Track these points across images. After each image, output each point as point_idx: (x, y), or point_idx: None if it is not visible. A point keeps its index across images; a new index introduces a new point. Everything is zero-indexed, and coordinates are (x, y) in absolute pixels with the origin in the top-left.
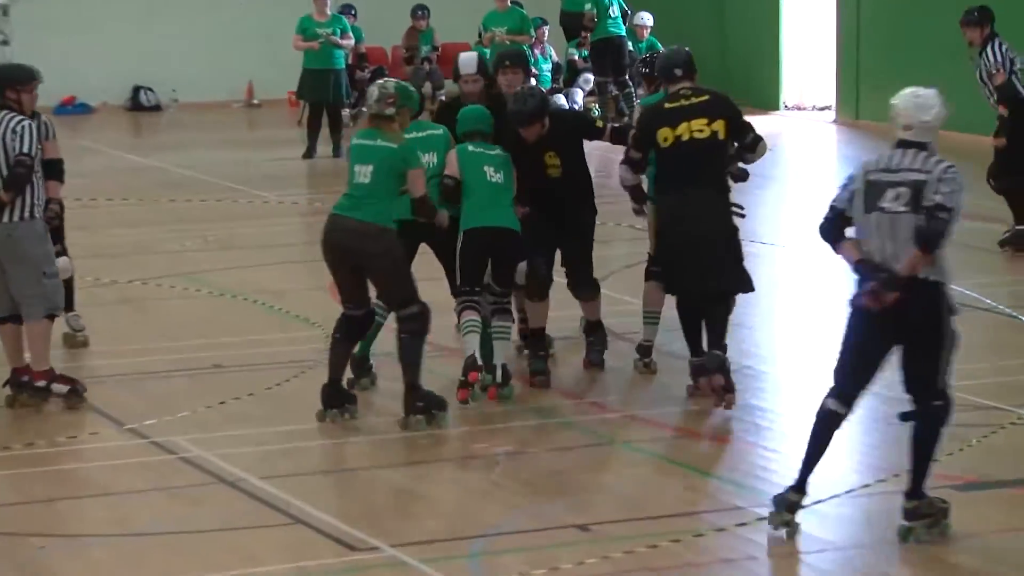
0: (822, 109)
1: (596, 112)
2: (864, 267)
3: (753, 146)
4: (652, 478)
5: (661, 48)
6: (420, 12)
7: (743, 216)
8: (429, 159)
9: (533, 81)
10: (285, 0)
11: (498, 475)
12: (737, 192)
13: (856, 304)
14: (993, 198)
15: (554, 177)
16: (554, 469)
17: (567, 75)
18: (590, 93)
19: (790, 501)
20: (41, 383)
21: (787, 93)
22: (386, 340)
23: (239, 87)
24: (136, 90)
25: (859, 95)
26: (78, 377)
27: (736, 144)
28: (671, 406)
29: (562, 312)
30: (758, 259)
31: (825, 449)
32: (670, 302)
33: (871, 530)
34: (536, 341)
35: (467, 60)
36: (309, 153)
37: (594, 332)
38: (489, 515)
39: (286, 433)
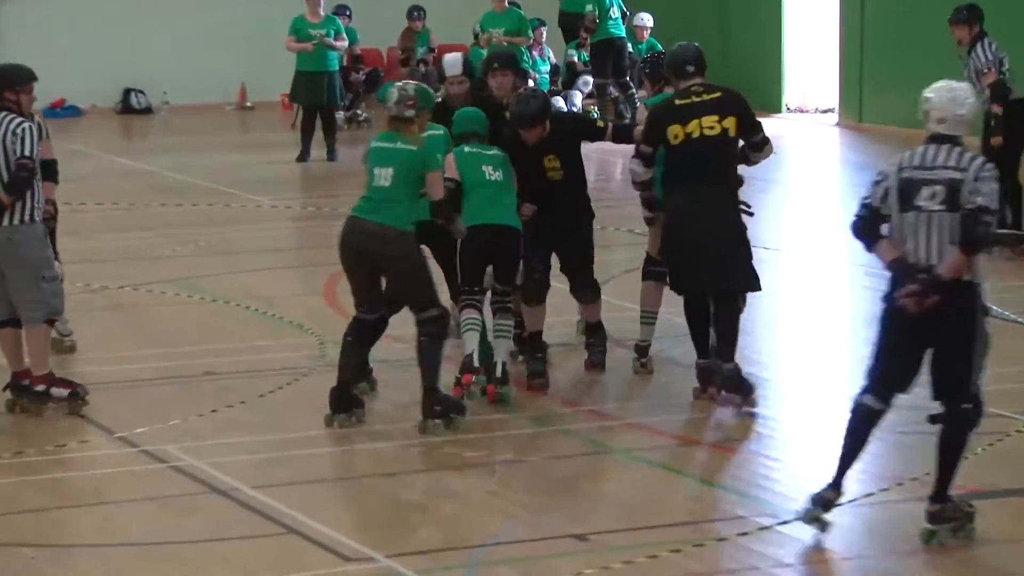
0: (825, 112)
1: (595, 115)
2: (900, 267)
3: (760, 146)
4: (652, 487)
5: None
6: (416, 13)
7: (751, 214)
8: None
9: (531, 83)
10: (278, 1)
11: (495, 484)
12: (740, 194)
13: (893, 304)
14: None
15: (554, 180)
16: (552, 478)
17: (566, 77)
18: (589, 95)
19: (826, 499)
20: (40, 387)
21: (789, 95)
22: (384, 347)
23: (231, 89)
24: (127, 92)
25: (862, 98)
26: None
27: (743, 142)
28: (671, 413)
29: (559, 318)
30: (759, 264)
31: (863, 447)
32: (669, 306)
33: (874, 540)
34: (533, 344)
35: (452, 61)
36: (303, 156)
37: (595, 334)
38: (486, 525)
39: (279, 441)
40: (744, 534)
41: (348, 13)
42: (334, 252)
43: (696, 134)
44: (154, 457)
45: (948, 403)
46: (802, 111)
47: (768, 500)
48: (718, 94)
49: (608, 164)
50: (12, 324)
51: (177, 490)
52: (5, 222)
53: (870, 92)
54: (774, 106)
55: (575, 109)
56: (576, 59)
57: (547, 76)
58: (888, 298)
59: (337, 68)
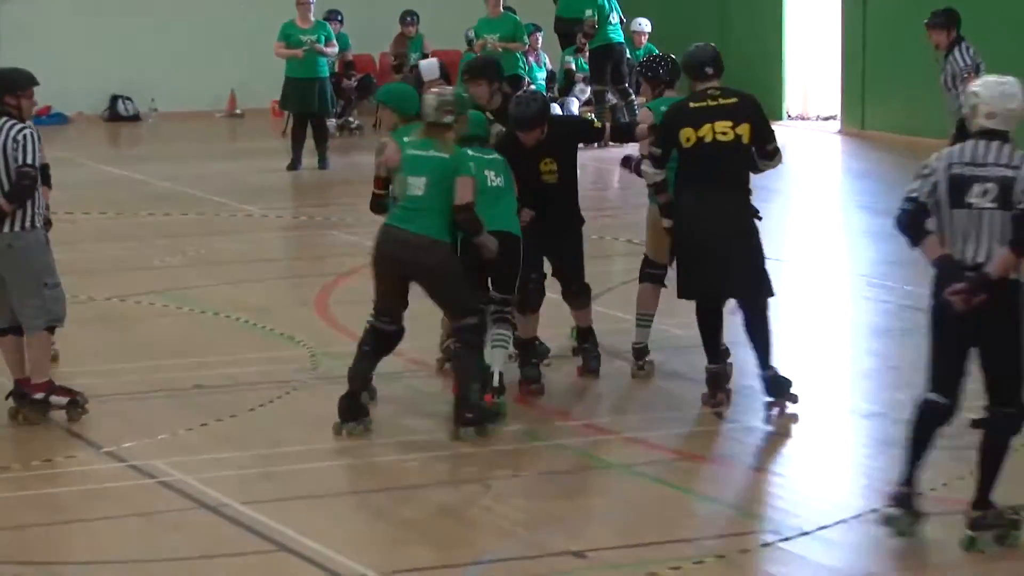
0: (827, 119)
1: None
2: (947, 264)
3: (771, 155)
4: (650, 502)
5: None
6: (409, 18)
7: (759, 218)
8: None
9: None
10: (268, 6)
11: (490, 500)
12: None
13: (942, 301)
14: None
15: (549, 184)
16: (549, 493)
17: (562, 84)
18: (586, 103)
19: (902, 496)
20: (40, 395)
21: (791, 102)
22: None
23: (221, 96)
24: (114, 100)
25: (865, 104)
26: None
27: (754, 149)
28: (669, 427)
29: (553, 329)
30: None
31: (931, 443)
32: (670, 317)
33: (879, 556)
34: (527, 350)
35: (429, 67)
36: (294, 165)
37: (588, 339)
38: (481, 541)
39: (270, 456)
40: (745, 551)
41: (340, 18)
42: (326, 263)
43: (708, 139)
44: (142, 472)
45: (991, 407)
46: (803, 118)
47: (769, 516)
48: (734, 99)
49: (606, 172)
50: (13, 331)
51: (165, 506)
52: (6, 228)
53: (872, 99)
54: (775, 113)
55: None
56: (573, 65)
57: (543, 83)
58: (935, 295)
59: (327, 75)
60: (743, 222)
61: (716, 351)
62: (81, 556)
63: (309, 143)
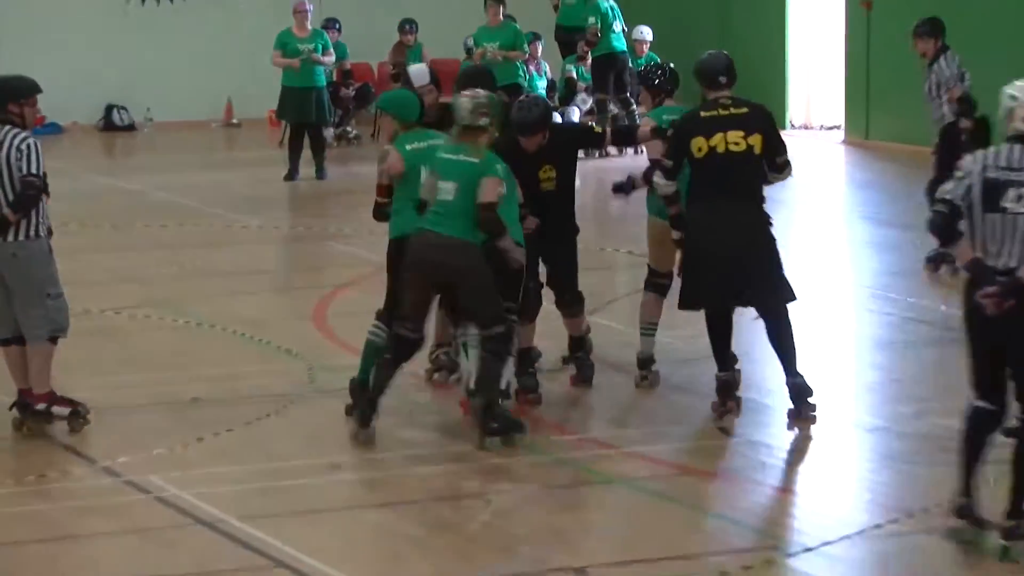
0: (830, 128)
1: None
2: (979, 268)
3: (781, 167)
4: (652, 518)
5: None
6: (408, 27)
7: (771, 225)
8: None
9: None
10: (265, 14)
11: (490, 515)
12: None
13: (973, 305)
14: None
15: (547, 191)
16: (548, 509)
17: (563, 93)
18: (588, 112)
19: (963, 505)
20: (41, 406)
21: (794, 112)
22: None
23: (217, 106)
24: (109, 109)
25: (869, 114)
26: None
27: (767, 162)
28: (670, 441)
29: (547, 342)
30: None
31: (981, 450)
32: (673, 329)
33: (884, 573)
34: (524, 359)
35: (418, 72)
36: (291, 175)
37: (581, 348)
38: (482, 557)
39: (267, 471)
40: (748, 568)
41: (338, 27)
42: (323, 274)
43: (721, 148)
44: (137, 487)
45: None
46: (807, 128)
47: (771, 531)
48: (745, 109)
49: (607, 183)
50: (17, 341)
51: (161, 522)
52: (10, 238)
53: (876, 109)
54: (778, 123)
55: None
56: (574, 74)
57: (544, 92)
58: (966, 299)
59: (325, 84)
60: (758, 231)
61: (726, 358)
62: (75, 573)
63: (306, 153)
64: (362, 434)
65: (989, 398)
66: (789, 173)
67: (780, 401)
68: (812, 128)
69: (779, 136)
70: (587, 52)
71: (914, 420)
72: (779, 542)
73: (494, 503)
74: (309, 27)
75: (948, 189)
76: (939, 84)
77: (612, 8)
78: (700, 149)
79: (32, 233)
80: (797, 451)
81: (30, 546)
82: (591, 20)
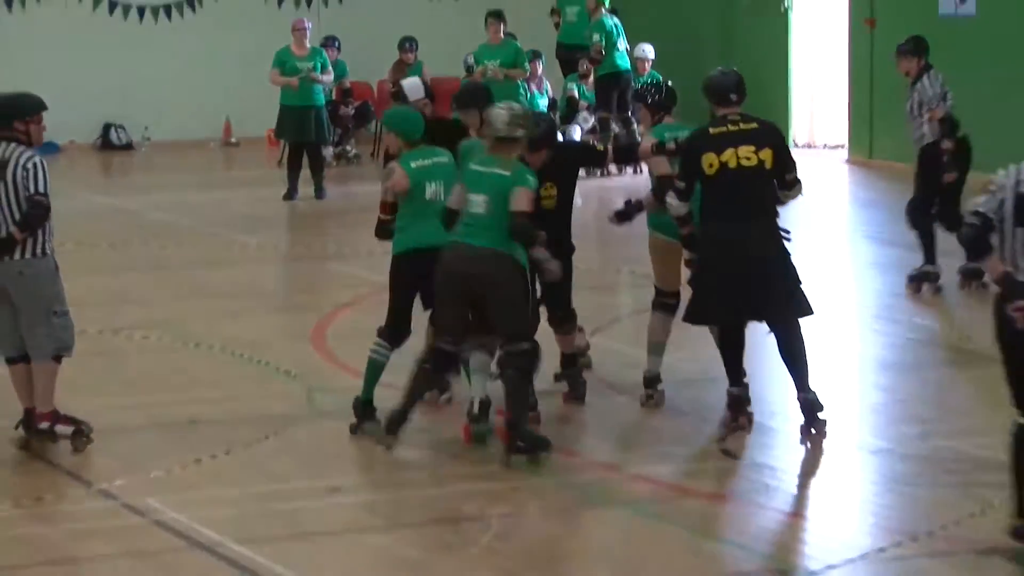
0: (834, 148)
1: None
2: (1009, 282)
3: (791, 184)
4: (654, 541)
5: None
6: (408, 45)
7: (789, 240)
8: (437, 189)
9: None
10: (263, 32)
11: (491, 539)
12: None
13: (1004, 319)
14: None
15: (546, 209)
16: (550, 532)
17: (564, 112)
18: (590, 131)
19: (1017, 527)
20: (44, 425)
21: (797, 131)
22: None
23: (216, 125)
24: (106, 128)
25: (873, 133)
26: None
27: (776, 179)
28: (673, 463)
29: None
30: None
31: None
32: (677, 350)
33: None
34: None
35: (413, 86)
36: (290, 195)
37: (572, 365)
38: None
39: (266, 493)
40: None
41: (337, 45)
42: (323, 295)
43: (732, 164)
44: (134, 510)
45: None
46: (810, 146)
47: (775, 555)
48: (755, 125)
49: (611, 202)
50: (23, 360)
51: (158, 545)
52: (16, 256)
53: (880, 128)
54: None
55: None
56: (575, 93)
57: (545, 110)
58: (997, 313)
59: (323, 103)
60: (772, 245)
61: (738, 373)
62: None
63: (305, 172)
64: (387, 440)
65: None
66: (799, 191)
67: (784, 423)
68: (815, 147)
69: (789, 152)
70: (591, 70)
71: (919, 442)
72: (783, 566)
73: (495, 527)
74: (308, 45)
75: (981, 202)
76: (921, 104)
77: (616, 26)
78: (711, 165)
79: (38, 251)
80: (801, 473)
81: (27, 570)
82: (595, 37)
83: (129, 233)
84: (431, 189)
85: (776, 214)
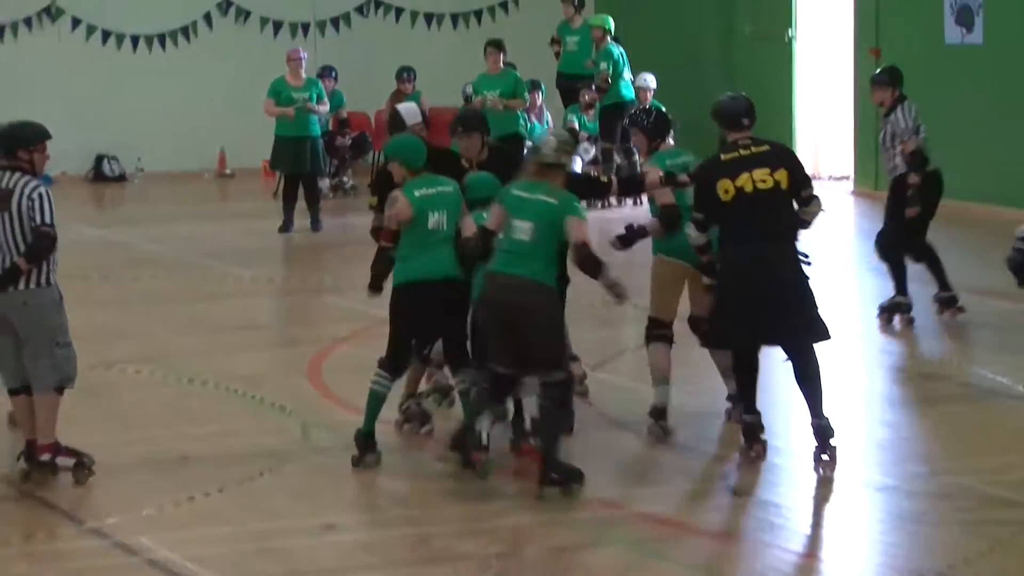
0: (839, 179)
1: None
2: None
3: (808, 201)
4: None
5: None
6: (406, 75)
7: (809, 264)
8: (440, 219)
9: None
10: (259, 62)
11: None
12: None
13: None
14: None
15: None
16: (549, 572)
17: None
18: (591, 162)
19: None
20: (46, 457)
21: (802, 162)
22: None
23: (210, 156)
24: (99, 159)
25: (878, 164)
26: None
27: (794, 199)
28: (676, 500)
29: None
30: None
31: None
32: (679, 385)
33: None
34: (520, 408)
35: (410, 110)
36: (286, 227)
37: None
38: None
39: (260, 532)
40: None
41: (334, 75)
42: (319, 329)
43: (748, 188)
44: (126, 549)
45: None
46: (815, 177)
47: None
48: (766, 147)
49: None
50: (26, 391)
51: None
52: (21, 286)
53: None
54: None
55: None
56: (576, 124)
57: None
58: None
59: (319, 133)
60: (791, 269)
61: (753, 401)
62: None
63: (301, 204)
64: (483, 471)
65: None
66: (819, 206)
67: (789, 460)
68: (820, 178)
69: (803, 170)
70: (595, 100)
71: (926, 479)
72: None
73: (495, 566)
74: (303, 75)
75: None
76: (894, 135)
77: (622, 55)
78: (727, 191)
79: (43, 281)
80: (807, 511)
81: None
82: (603, 66)
83: (121, 266)
84: (434, 219)
85: (796, 238)
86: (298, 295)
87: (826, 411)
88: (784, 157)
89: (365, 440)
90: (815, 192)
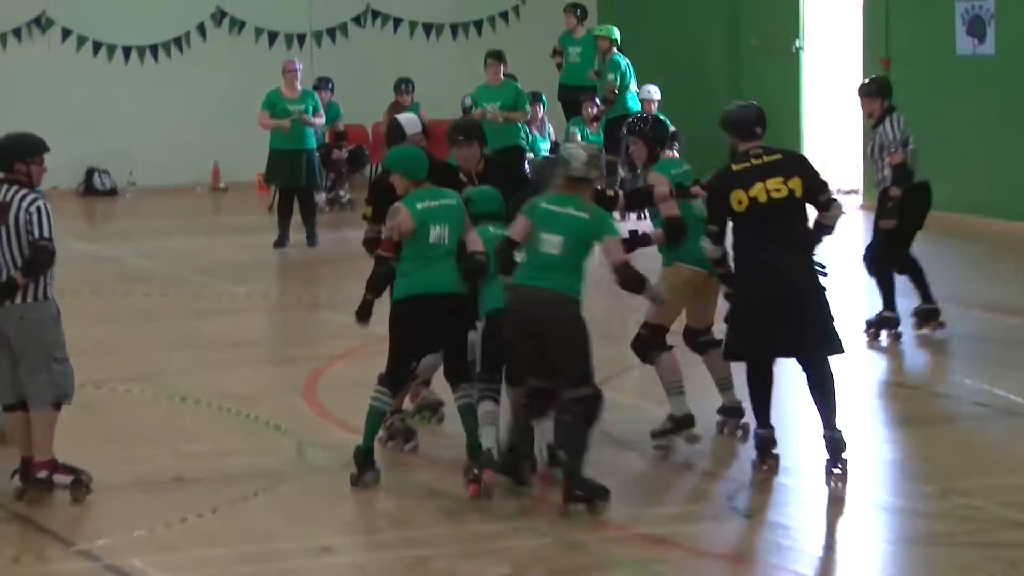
0: (848, 193)
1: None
2: None
3: (827, 206)
4: None
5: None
6: (404, 86)
7: (825, 274)
8: (442, 232)
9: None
10: (253, 74)
11: None
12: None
13: None
14: None
15: None
16: None
17: None
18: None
19: None
20: (43, 474)
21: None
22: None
23: (204, 169)
24: (90, 173)
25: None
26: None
27: (810, 204)
28: (682, 522)
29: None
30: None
31: None
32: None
33: None
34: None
35: (410, 120)
36: (281, 242)
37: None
38: None
39: (254, 554)
40: None
41: (330, 87)
42: (315, 346)
43: (763, 198)
44: (117, 572)
45: None
46: None
47: None
48: (778, 156)
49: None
50: (23, 407)
51: None
52: (18, 300)
53: None
54: None
55: None
56: (578, 137)
57: (547, 154)
58: None
59: (315, 146)
60: (807, 278)
61: (767, 415)
62: None
63: (297, 219)
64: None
65: None
66: (839, 209)
67: (796, 480)
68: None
69: (818, 176)
70: (603, 110)
71: (938, 500)
72: None
73: None
74: (299, 87)
75: None
76: (882, 147)
77: (629, 66)
78: (740, 202)
79: (40, 295)
80: (816, 533)
81: None
82: (610, 77)
83: (113, 281)
84: (436, 232)
85: (813, 248)
86: (293, 311)
87: (839, 424)
88: (797, 165)
89: (364, 458)
90: (833, 195)
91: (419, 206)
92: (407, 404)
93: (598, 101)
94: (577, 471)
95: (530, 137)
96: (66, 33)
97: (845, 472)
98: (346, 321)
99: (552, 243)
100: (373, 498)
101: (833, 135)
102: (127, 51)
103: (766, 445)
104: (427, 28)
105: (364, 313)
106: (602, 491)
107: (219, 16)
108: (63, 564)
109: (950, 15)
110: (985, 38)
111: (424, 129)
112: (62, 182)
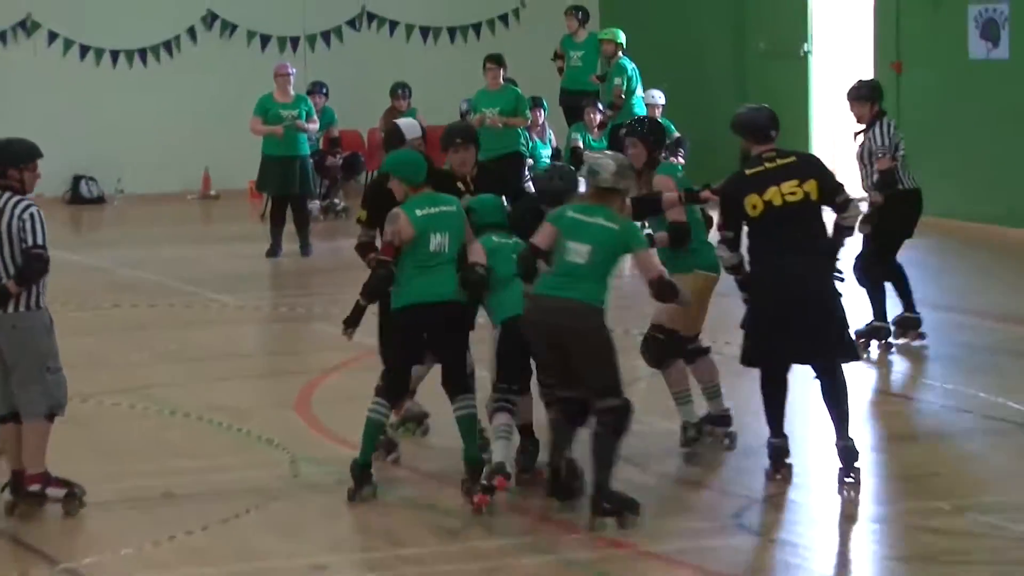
0: (860, 201)
1: None
2: None
3: (844, 207)
4: None
5: (675, 132)
6: (400, 91)
7: (842, 280)
8: (442, 240)
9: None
10: (245, 78)
11: None
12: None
13: None
14: None
15: None
16: None
17: (569, 162)
18: None
19: None
20: (35, 487)
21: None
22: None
23: (194, 176)
24: (76, 180)
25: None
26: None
27: (828, 207)
28: (687, 539)
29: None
30: (792, 371)
31: None
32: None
33: None
34: (526, 437)
35: (410, 125)
36: (273, 251)
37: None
38: None
39: (245, 572)
40: None
41: (324, 91)
42: (308, 358)
43: (777, 202)
44: None
45: None
46: None
47: None
48: (792, 158)
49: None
50: (15, 419)
51: None
52: (10, 309)
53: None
54: None
55: None
56: (580, 143)
57: (548, 160)
58: None
59: (308, 153)
60: (823, 284)
61: (780, 424)
62: None
63: (290, 227)
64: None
65: None
66: (857, 210)
67: (804, 495)
68: None
69: (833, 177)
70: (610, 118)
71: (951, 516)
72: None
73: None
74: (292, 92)
75: None
76: (871, 152)
77: (635, 71)
78: (755, 207)
79: (33, 304)
80: (825, 550)
81: None
82: (616, 81)
83: (100, 292)
84: (436, 240)
85: (837, 254)
86: (286, 323)
87: (851, 432)
88: (812, 167)
89: (361, 472)
90: (849, 196)
91: (419, 213)
92: (391, 416)
93: (601, 107)
94: (605, 483)
95: (530, 143)
96: (52, 37)
97: (858, 481)
98: (340, 332)
99: (579, 252)
100: (368, 515)
101: (842, 140)
102: (115, 55)
103: (779, 454)
104: (424, 31)
105: (353, 320)
106: (632, 504)
107: (210, 19)
108: None
109: (963, 18)
110: (999, 41)
111: (423, 133)
112: (48, 190)
